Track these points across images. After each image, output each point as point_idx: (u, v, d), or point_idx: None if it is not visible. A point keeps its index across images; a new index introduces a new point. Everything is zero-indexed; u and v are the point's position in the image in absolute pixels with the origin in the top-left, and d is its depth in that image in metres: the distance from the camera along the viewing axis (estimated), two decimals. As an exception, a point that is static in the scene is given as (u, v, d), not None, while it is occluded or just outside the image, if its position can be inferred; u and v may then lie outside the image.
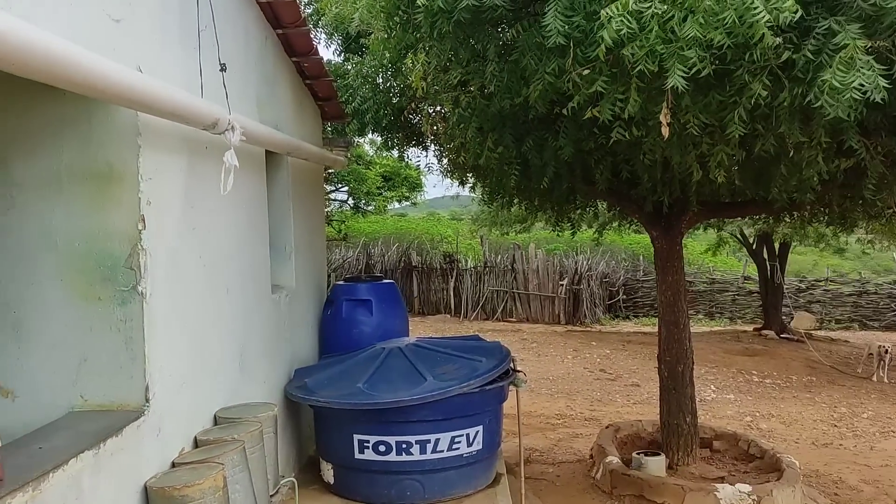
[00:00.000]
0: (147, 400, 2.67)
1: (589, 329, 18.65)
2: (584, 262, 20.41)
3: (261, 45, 4.12)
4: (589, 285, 20.19)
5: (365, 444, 3.99)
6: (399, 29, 3.97)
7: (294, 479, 3.67)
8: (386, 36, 4.13)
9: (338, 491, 4.23)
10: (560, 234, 9.18)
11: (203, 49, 3.17)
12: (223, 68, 3.32)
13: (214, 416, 3.31)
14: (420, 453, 3.99)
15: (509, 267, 20.29)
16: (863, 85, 2.61)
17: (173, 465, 2.83)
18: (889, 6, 2.53)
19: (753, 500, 5.13)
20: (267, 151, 4.14)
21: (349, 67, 6.17)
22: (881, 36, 2.75)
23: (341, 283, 5.24)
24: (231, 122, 3.06)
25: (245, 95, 3.83)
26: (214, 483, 2.64)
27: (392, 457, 3.98)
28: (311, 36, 4.69)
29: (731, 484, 5.29)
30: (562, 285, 19.66)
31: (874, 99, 2.63)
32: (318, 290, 5.31)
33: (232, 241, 3.58)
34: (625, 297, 22.30)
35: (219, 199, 3.30)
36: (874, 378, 11.66)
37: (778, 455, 5.92)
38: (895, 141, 3.80)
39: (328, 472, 4.25)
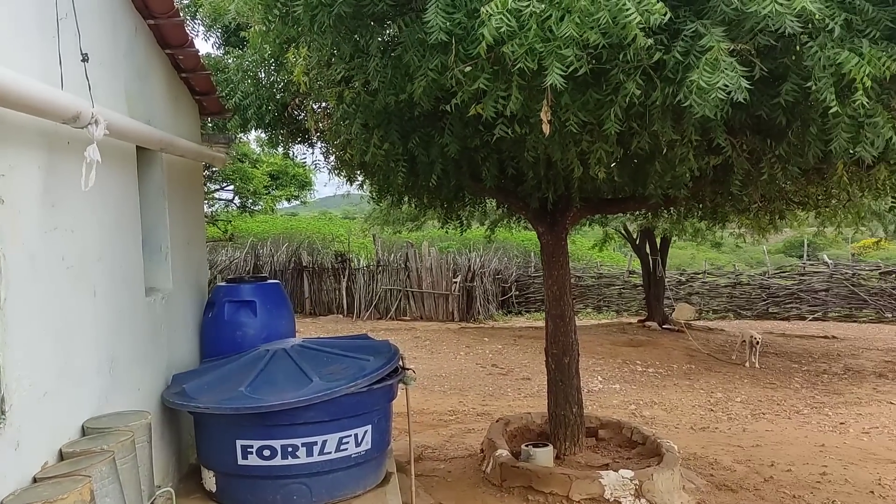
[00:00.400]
0: (2, 413, 2.49)
1: (482, 325, 18.89)
2: (477, 260, 20.67)
3: (130, 37, 3.94)
4: (482, 282, 20.46)
5: (248, 450, 3.88)
6: (278, 22, 3.87)
7: (171, 490, 3.53)
8: (265, 29, 4.03)
9: (220, 499, 4.09)
10: (449, 231, 9.25)
11: (64, 39, 2.99)
12: (85, 59, 3.14)
13: (82, 426, 3.13)
14: (307, 456, 3.91)
15: (402, 265, 20.31)
16: (727, 85, 2.72)
17: (35, 480, 2.66)
18: (749, 11, 2.64)
19: (635, 484, 5.31)
20: (139, 148, 3.96)
21: (230, 61, 5.99)
22: (743, 39, 2.88)
23: (223, 283, 5.07)
24: (94, 115, 2.90)
25: (113, 89, 3.65)
26: (80, 497, 2.49)
27: (277, 461, 3.88)
28: (187, 27, 4.52)
29: (614, 470, 5.46)
30: (455, 283, 19.83)
31: (737, 99, 2.75)
32: (198, 291, 5.13)
33: (100, 241, 3.40)
34: (517, 293, 22.72)
35: (84, 197, 3.13)
36: (747, 364, 12.31)
37: (658, 440, 6.15)
38: (758, 139, 4.00)
39: (210, 480, 4.11)
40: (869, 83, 2.77)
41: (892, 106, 3.34)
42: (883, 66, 2.80)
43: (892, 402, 9.55)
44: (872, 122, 3.06)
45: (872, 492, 6.07)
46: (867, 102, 2.86)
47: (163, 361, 4.25)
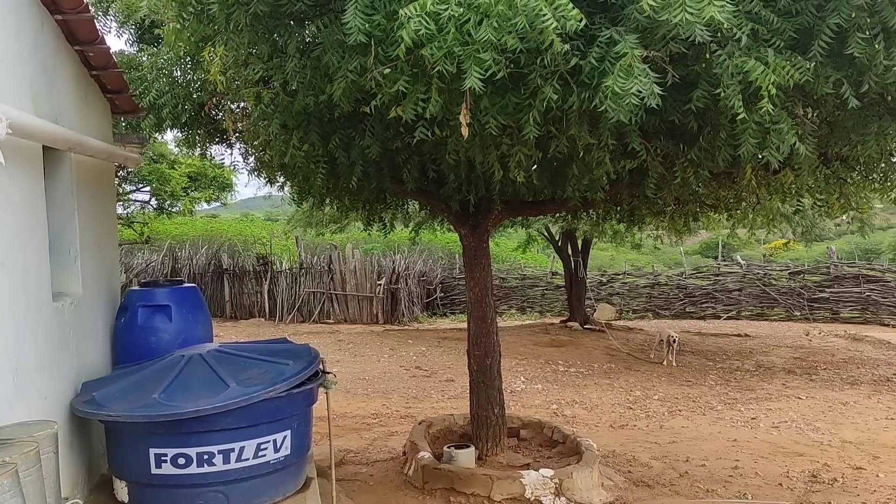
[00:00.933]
0: None
1: (407, 328, 18.87)
2: (402, 262, 20.64)
3: (36, 32, 3.77)
4: (407, 284, 20.44)
5: (162, 458, 3.76)
6: (193, 20, 3.78)
7: (80, 502, 3.40)
8: (179, 27, 3.93)
9: (134, 509, 3.97)
10: (373, 233, 9.20)
11: (-37, 33, 2.85)
12: (-12, 55, 3.00)
13: (-16, 438, 2.98)
14: (223, 463, 3.82)
15: (326, 268, 20.12)
16: (640, 91, 2.79)
17: (-70, 496, 2.52)
18: (661, 19, 2.71)
19: (555, 483, 5.39)
20: (46, 147, 3.80)
21: (144, 59, 5.82)
22: (656, 46, 2.95)
23: (136, 288, 4.92)
24: (-3, 113, 2.77)
25: (17, 86, 3.49)
26: (-20, 513, 2.38)
27: (193, 469, 3.78)
28: (97, 23, 4.36)
29: (535, 470, 5.53)
30: (380, 285, 19.75)
31: (650, 104, 2.81)
32: (110, 296, 4.96)
33: (2, 245, 3.24)
34: (442, 294, 22.81)
35: (-14, 198, 2.98)
36: (664, 363, 12.65)
37: (578, 439, 6.26)
38: (672, 144, 4.11)
39: (122, 491, 3.97)
40: (774, 91, 2.87)
41: (796, 113, 3.49)
42: (787, 74, 2.91)
43: (799, 398, 9.96)
44: (778, 128, 3.18)
45: (781, 484, 6.31)
46: (772, 109, 2.97)
47: (72, 369, 4.09)
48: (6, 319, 3.25)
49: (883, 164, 5.08)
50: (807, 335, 16.16)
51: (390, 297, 20.00)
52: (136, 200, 19.14)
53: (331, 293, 20.05)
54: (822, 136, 3.93)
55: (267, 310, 20.31)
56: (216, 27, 3.74)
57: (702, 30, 2.67)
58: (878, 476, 6.48)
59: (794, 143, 3.18)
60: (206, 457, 3.79)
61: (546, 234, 17.60)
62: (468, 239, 6.27)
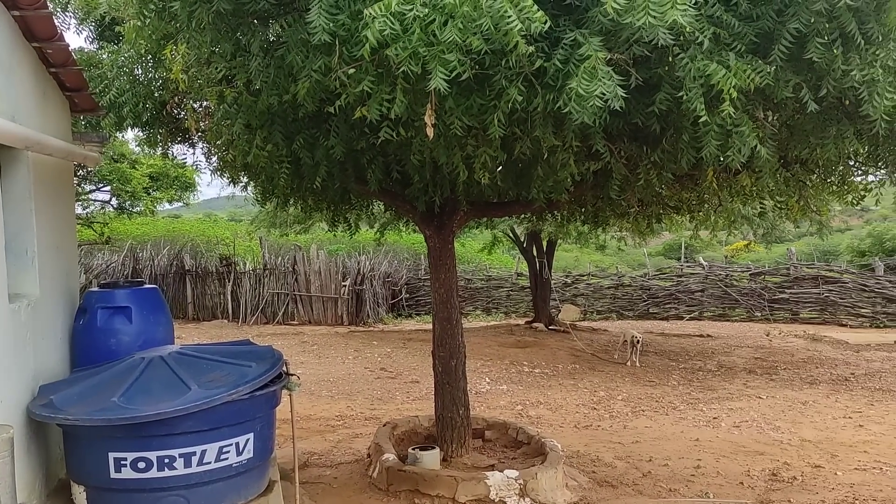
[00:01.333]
0: None
1: (371, 329, 18.81)
2: (367, 263, 20.57)
3: (-8, 28, 3.69)
4: (372, 285, 20.37)
5: (122, 462, 3.69)
6: (154, 17, 3.73)
7: (38, 507, 3.33)
8: (140, 24, 3.87)
9: (93, 515, 3.89)
10: (338, 234, 9.15)
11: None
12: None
13: (-63, 443, 2.91)
14: (185, 467, 3.76)
15: (290, 269, 19.98)
16: (604, 93, 2.81)
17: None
18: (625, 22, 2.73)
19: (520, 484, 5.41)
20: (1, 146, 3.71)
21: (104, 56, 5.72)
22: (619, 49, 2.98)
23: (95, 289, 4.82)
24: (-49, 110, 2.69)
25: (-28, 82, 3.41)
26: (-69, 521, 2.31)
27: (153, 473, 3.71)
28: (56, 20, 4.28)
29: (500, 471, 5.54)
30: (344, 286, 19.66)
31: (614, 106, 2.83)
32: (68, 297, 4.86)
33: (-42, 245, 3.17)
34: (407, 295, 22.79)
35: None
36: (628, 363, 12.76)
37: (543, 440, 6.29)
38: (635, 146, 4.15)
39: (81, 496, 3.89)
40: (735, 94, 2.91)
41: (756, 116, 3.54)
42: (748, 78, 2.95)
43: (760, 397, 10.12)
44: (739, 131, 3.23)
45: (742, 483, 6.40)
46: (734, 112, 3.02)
47: (28, 371, 4.00)
48: (-41, 321, 3.17)
49: (841, 167, 5.18)
50: (767, 335, 16.43)
51: (355, 299, 19.92)
52: (96, 200, 18.85)
53: (295, 294, 19.91)
54: (781, 139, 3.99)
55: (230, 311, 20.11)
56: (178, 25, 3.69)
57: (665, 33, 2.69)
58: (836, 474, 6.60)
59: (755, 146, 3.23)
60: (166, 460, 3.73)
61: (511, 235, 17.67)
62: (433, 240, 6.27)
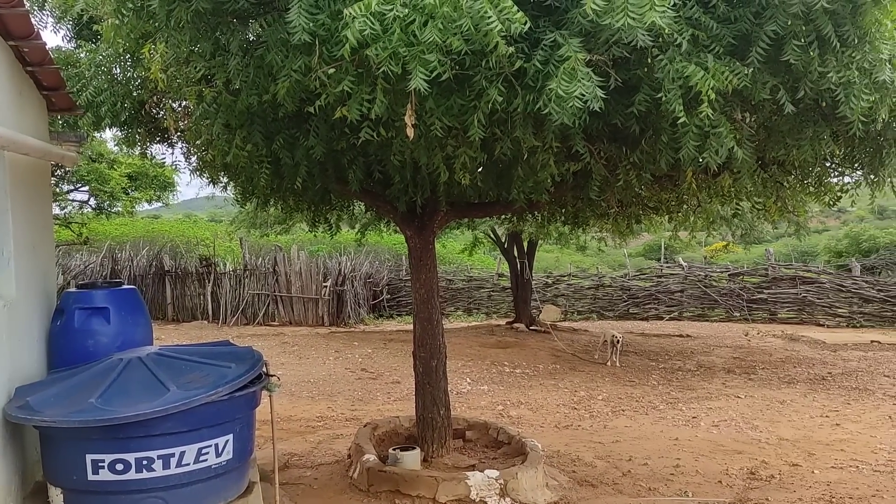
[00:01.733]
0: None
1: (352, 330, 18.77)
2: (348, 263, 20.53)
3: (-32, 25, 3.65)
4: (353, 286, 20.33)
5: (100, 464, 3.66)
6: (133, 16, 3.70)
7: (14, 510, 3.29)
8: (118, 23, 3.83)
9: (70, 518, 3.86)
10: (319, 235, 9.12)
11: None
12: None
13: (-90, 446, 2.87)
14: (163, 469, 3.73)
15: (271, 270, 19.90)
16: (584, 94, 2.82)
17: None
18: (604, 23, 2.74)
19: (500, 483, 5.42)
20: (-23, 145, 3.68)
21: (82, 55, 5.67)
22: (599, 50, 2.99)
23: (73, 290, 4.78)
24: (-75, 109, 2.66)
25: (-53, 80, 3.37)
26: None
27: (131, 475, 3.68)
28: (33, 18, 4.23)
29: (480, 471, 5.55)
30: (325, 287, 19.61)
31: (593, 107, 2.85)
32: (45, 298, 4.81)
33: (-68, 245, 3.13)
34: (389, 296, 22.76)
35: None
36: (608, 363, 12.82)
37: (523, 440, 6.31)
38: (615, 147, 4.18)
39: (57, 499, 3.85)
40: (713, 95, 2.94)
41: (734, 118, 3.58)
42: (726, 79, 2.98)
43: (739, 397, 10.20)
44: (717, 132, 3.26)
45: (720, 481, 6.45)
46: (712, 114, 3.05)
47: (4, 373, 3.95)
48: (-67, 322, 3.13)
49: (817, 169, 5.24)
50: (746, 335, 16.58)
51: (336, 299, 19.88)
52: (74, 200, 18.68)
53: (276, 295, 19.83)
54: (759, 140, 4.03)
55: (210, 312, 19.99)
56: (156, 24, 3.66)
57: (643, 34, 2.71)
58: (813, 472, 6.67)
59: (733, 147, 3.26)
60: (145, 462, 3.70)
61: (492, 235, 17.70)
62: (414, 240, 6.27)
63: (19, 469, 4.07)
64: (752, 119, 3.93)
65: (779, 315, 19.60)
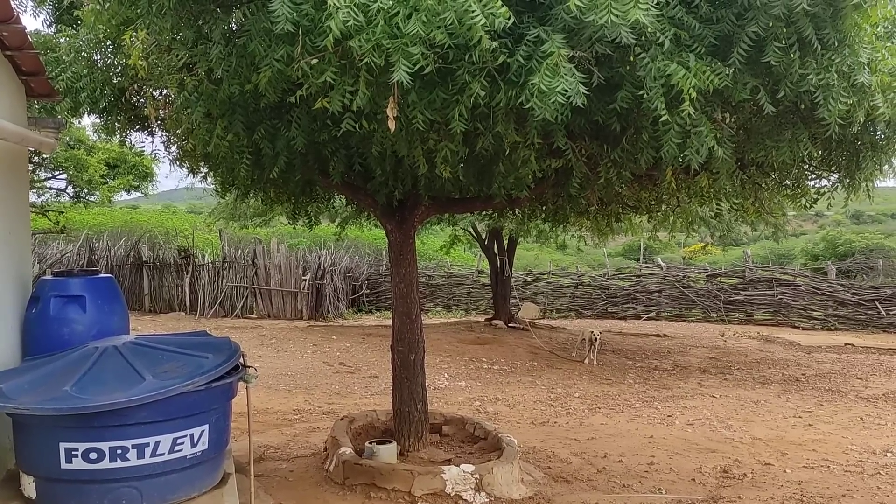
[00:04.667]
0: None
1: (331, 324, 18.72)
2: (328, 257, 20.47)
3: (-55, 7, 3.60)
4: (332, 280, 20.28)
5: (73, 453, 3.63)
6: (114, 1, 3.67)
7: (-16, 498, 3.26)
8: (99, 8, 3.80)
9: (42, 506, 3.83)
10: (299, 228, 9.10)
11: None
12: None
13: None
14: (138, 458, 3.70)
15: (250, 262, 19.80)
16: (566, 90, 2.83)
17: None
18: (588, 20, 2.76)
19: (476, 478, 5.43)
20: (-47, 128, 3.63)
21: (62, 40, 5.60)
22: (582, 47, 3.01)
23: (49, 277, 4.73)
24: None
25: (-77, 62, 3.32)
26: None
27: (105, 464, 3.65)
28: (12, 2, 4.17)
29: (456, 465, 5.56)
30: (304, 280, 19.54)
31: (576, 103, 2.86)
32: (20, 286, 4.76)
33: None
34: (368, 291, 22.72)
35: None
36: (586, 361, 12.88)
37: (499, 435, 6.33)
38: (596, 144, 4.20)
39: (30, 487, 3.82)
40: (695, 94, 2.97)
41: (714, 117, 3.60)
42: (707, 79, 3.01)
43: (713, 396, 10.29)
44: (697, 131, 3.29)
45: (694, 479, 6.50)
46: (693, 113, 3.07)
47: (-24, 360, 3.91)
48: None
49: (795, 171, 5.29)
50: (722, 336, 16.73)
51: (315, 293, 19.82)
52: (51, 188, 18.48)
53: (254, 288, 19.74)
54: (739, 141, 4.07)
55: (188, 304, 19.87)
56: (138, 10, 3.63)
57: (627, 32, 2.73)
58: (785, 471, 6.75)
59: (713, 146, 3.29)
60: (119, 451, 3.67)
61: (473, 232, 17.71)
62: (394, 234, 6.26)
63: (-9, 457, 4.03)
64: (733, 119, 3.97)
65: (755, 316, 19.77)
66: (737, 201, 5.96)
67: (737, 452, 7.38)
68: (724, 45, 3.16)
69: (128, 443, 3.69)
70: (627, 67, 3.18)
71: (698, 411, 9.33)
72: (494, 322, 17.41)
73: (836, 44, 3.17)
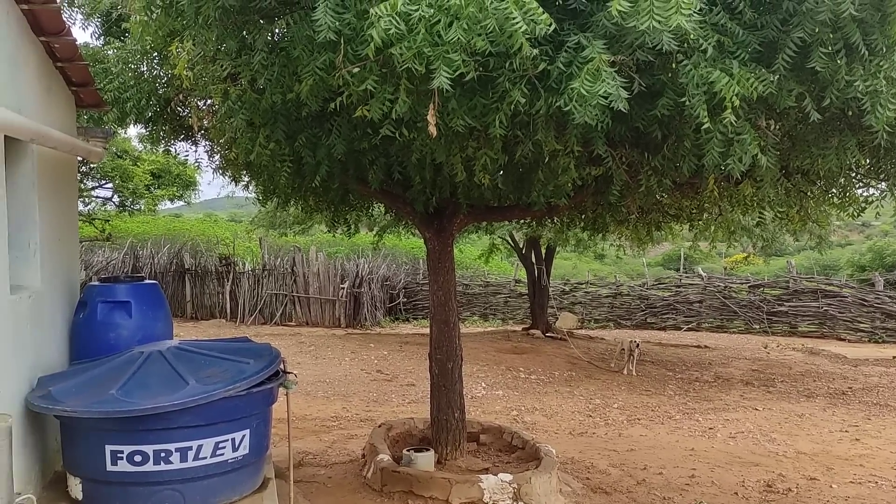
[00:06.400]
0: None
1: (368, 332, 18.80)
2: (366, 266, 20.56)
3: (0, 21, 3.70)
4: (370, 288, 20.37)
5: (118, 455, 3.70)
6: (161, 13, 3.75)
7: (33, 497, 3.32)
8: (146, 20, 3.88)
9: (87, 507, 3.90)
10: (337, 236, 9.16)
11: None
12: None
13: (-65, 430, 2.92)
14: (181, 461, 3.76)
15: (289, 270, 19.98)
16: (607, 94, 2.82)
17: None
18: (629, 26, 2.74)
19: (514, 487, 5.40)
20: (7, 138, 3.73)
21: (109, 52, 5.74)
22: (623, 53, 2.99)
23: (96, 283, 4.83)
24: (-43, 100, 2.71)
25: (-22, 73, 3.43)
26: (-73, 506, 2.32)
27: (149, 467, 3.71)
28: (64, 14, 4.29)
29: (494, 474, 5.54)
30: (342, 288, 19.65)
31: (617, 107, 2.84)
32: (69, 291, 4.87)
33: (-40, 234, 3.18)
34: (405, 299, 22.78)
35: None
36: (625, 372, 12.75)
37: (537, 445, 6.29)
38: (637, 152, 4.16)
39: (76, 488, 3.89)
40: (738, 102, 2.93)
41: (758, 125, 3.55)
42: (751, 86, 2.97)
43: (756, 409, 10.11)
44: (741, 139, 3.24)
45: (737, 493, 6.40)
46: (736, 120, 3.03)
47: (27, 363, 4.00)
48: (-41, 310, 3.18)
49: (842, 179, 5.19)
50: (765, 348, 16.44)
51: (353, 301, 19.92)
52: (97, 197, 18.88)
53: (293, 295, 19.91)
54: (783, 148, 4.00)
55: (228, 311, 20.11)
56: (184, 21, 3.71)
57: (669, 38, 2.70)
58: (831, 487, 6.60)
59: (757, 154, 3.24)
60: (163, 454, 3.73)
61: (510, 241, 17.67)
62: (432, 242, 6.28)
63: (40, 458, 4.12)
64: (777, 127, 3.90)
65: (799, 328, 19.41)
66: (781, 210, 5.86)
67: (781, 466, 7.24)
68: (769, 51, 3.11)
69: (171, 446, 3.75)
70: (669, 74, 3.15)
71: (741, 424, 9.18)
72: (532, 331, 17.34)
73: (885, 49, 3.10)
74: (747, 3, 3.01)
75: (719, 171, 3.56)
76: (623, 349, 13.28)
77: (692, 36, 2.75)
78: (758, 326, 19.74)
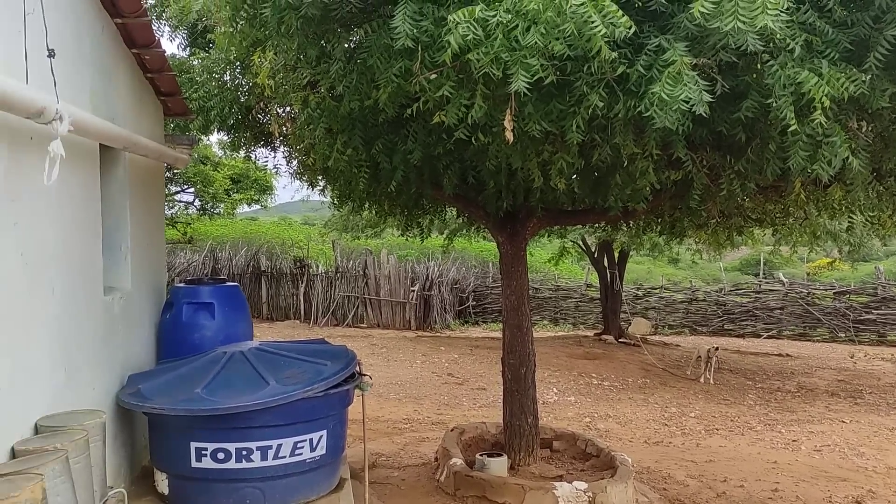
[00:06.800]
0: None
1: (439, 334, 18.88)
2: (436, 269, 20.66)
3: (97, 34, 3.87)
4: (440, 291, 20.45)
5: (203, 452, 3.82)
6: (245, 24, 3.85)
7: (124, 491, 3.45)
8: (231, 30, 4.00)
9: (172, 502, 4.02)
10: (408, 239, 9.24)
11: (30, 34, 2.94)
12: (51, 54, 3.08)
13: (35, 424, 3.06)
14: (261, 460, 3.86)
15: (361, 272, 20.23)
16: (689, 98, 2.76)
17: (-16, 478, 2.58)
18: (712, 27, 2.68)
19: (589, 496, 5.33)
20: (102, 146, 3.90)
21: (195, 62, 5.93)
22: (705, 55, 2.93)
23: (181, 285, 5.00)
24: (59, 111, 2.85)
25: (78, 85, 3.59)
26: (32, 495, 2.43)
27: (231, 464, 3.82)
28: (153, 27, 4.46)
29: (568, 482, 5.47)
30: (413, 291, 19.80)
31: (698, 111, 2.79)
32: (156, 292, 5.05)
33: (59, 238, 3.33)
34: (474, 303, 22.78)
35: (46, 193, 3.07)
36: (702, 380, 12.45)
37: (612, 453, 6.19)
38: (718, 155, 4.07)
39: (163, 483, 4.04)
40: (827, 103, 2.83)
41: (849, 126, 3.43)
42: (841, 86, 2.86)
43: (843, 421, 9.74)
44: (830, 141, 3.13)
45: (821, 507, 6.19)
46: (825, 122, 2.93)
47: (119, 361, 4.17)
48: (61, 310, 3.34)
49: (938, 182, 4.96)
50: (851, 357, 15.80)
51: (423, 304, 20.03)
52: (180, 201, 19.50)
53: (365, 298, 20.15)
54: (876, 150, 3.85)
55: (302, 312, 20.48)
56: (267, 31, 3.80)
57: (754, 38, 2.64)
58: (923, 503, 6.32)
59: (847, 157, 3.12)
60: (244, 452, 3.83)
61: (582, 245, 17.48)
62: (506, 246, 6.26)
63: (129, 453, 4.28)
64: (869, 128, 3.76)
65: (888, 337, 18.58)
66: (872, 214, 5.63)
67: (870, 482, 6.96)
68: (860, 50, 3.00)
69: (252, 444, 3.85)
70: (754, 75, 3.07)
71: (826, 437, 8.85)
72: (604, 337, 17.12)
73: None
74: (837, 0, 2.91)
75: (806, 174, 3.44)
76: (700, 356, 12.96)
77: (779, 36, 2.67)
78: (843, 335, 19.01)
